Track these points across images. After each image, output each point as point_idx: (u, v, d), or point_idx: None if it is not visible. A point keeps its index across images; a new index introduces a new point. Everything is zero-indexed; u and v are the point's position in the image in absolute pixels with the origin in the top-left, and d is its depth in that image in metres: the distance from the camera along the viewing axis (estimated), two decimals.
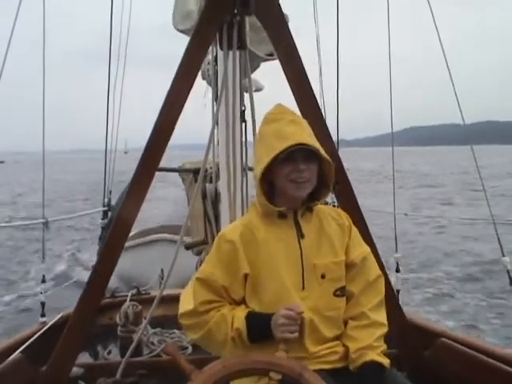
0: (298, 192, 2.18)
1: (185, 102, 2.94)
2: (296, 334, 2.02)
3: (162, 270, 6.13)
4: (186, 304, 2.20)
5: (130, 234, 3.43)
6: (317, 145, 2.16)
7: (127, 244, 7.64)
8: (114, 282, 4.94)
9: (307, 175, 2.16)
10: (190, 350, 3.99)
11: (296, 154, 2.13)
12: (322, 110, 3.38)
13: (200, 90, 4.27)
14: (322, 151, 2.17)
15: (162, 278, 5.18)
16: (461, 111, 3.84)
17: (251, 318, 2.12)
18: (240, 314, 2.13)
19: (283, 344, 1.96)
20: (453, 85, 3.84)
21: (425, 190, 36.31)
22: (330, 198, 4.46)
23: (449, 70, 3.83)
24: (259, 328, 2.09)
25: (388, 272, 2.84)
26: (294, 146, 2.10)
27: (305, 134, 2.18)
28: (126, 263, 6.73)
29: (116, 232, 3.02)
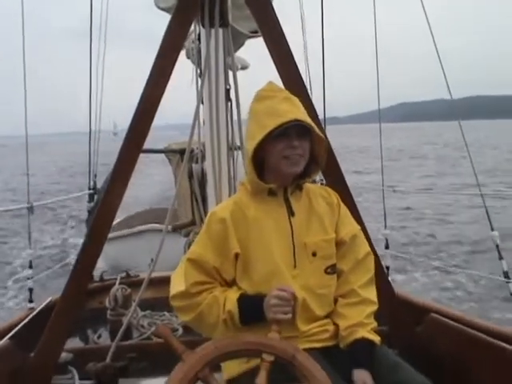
0: (291, 168, 2.16)
1: (167, 81, 2.90)
2: (289, 315, 2.00)
3: (152, 260, 6.11)
4: (177, 285, 2.18)
5: (119, 220, 3.40)
6: (310, 121, 2.15)
7: (117, 234, 7.61)
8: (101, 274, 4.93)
9: (300, 152, 2.15)
10: (180, 331, 3.98)
11: (289, 130, 2.11)
12: (308, 88, 3.34)
13: (187, 71, 4.21)
14: (316, 128, 2.16)
15: None
16: (448, 86, 3.82)
17: (243, 300, 2.11)
18: (232, 296, 2.12)
19: (276, 325, 1.94)
20: (439, 60, 3.81)
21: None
22: (318, 176, 4.44)
23: (435, 44, 3.80)
24: (251, 310, 2.08)
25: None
26: (288, 122, 2.09)
27: (298, 112, 2.17)
28: (115, 254, 6.72)
29: (102, 215, 2.99)
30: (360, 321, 2.21)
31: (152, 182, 23.98)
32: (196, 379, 1.76)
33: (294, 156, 2.14)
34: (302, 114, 2.16)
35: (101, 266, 3.06)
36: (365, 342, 2.17)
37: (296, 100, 2.24)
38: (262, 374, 1.79)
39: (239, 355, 1.92)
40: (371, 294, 2.32)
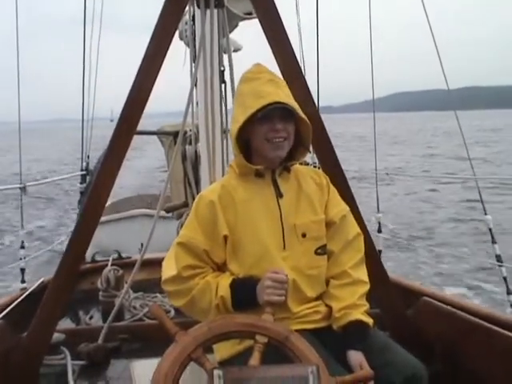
0: (274, 152, 2.16)
1: (162, 62, 2.87)
2: (283, 298, 2.01)
3: (142, 245, 6.10)
4: (169, 270, 2.18)
5: (107, 204, 3.38)
6: (294, 104, 2.15)
7: (106, 218, 7.63)
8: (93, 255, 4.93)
9: (284, 135, 2.15)
10: (172, 313, 3.97)
11: (273, 113, 2.11)
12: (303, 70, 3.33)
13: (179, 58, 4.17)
14: (299, 110, 2.16)
15: None
16: (445, 77, 3.82)
17: (236, 285, 2.11)
18: (224, 281, 2.12)
19: (269, 307, 1.95)
20: (437, 51, 3.80)
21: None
22: (311, 159, 4.44)
23: (433, 36, 3.79)
24: (244, 295, 2.08)
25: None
26: (270, 104, 2.09)
27: (282, 94, 2.16)
28: (105, 238, 6.72)
29: (95, 196, 2.97)
30: (353, 302, 2.21)
31: None
32: (189, 360, 1.76)
33: (278, 139, 2.14)
34: (286, 97, 2.16)
35: (90, 249, 3.06)
36: (359, 324, 2.17)
37: (281, 82, 2.24)
38: (255, 356, 1.80)
39: (232, 336, 1.92)
40: (362, 274, 2.32)
